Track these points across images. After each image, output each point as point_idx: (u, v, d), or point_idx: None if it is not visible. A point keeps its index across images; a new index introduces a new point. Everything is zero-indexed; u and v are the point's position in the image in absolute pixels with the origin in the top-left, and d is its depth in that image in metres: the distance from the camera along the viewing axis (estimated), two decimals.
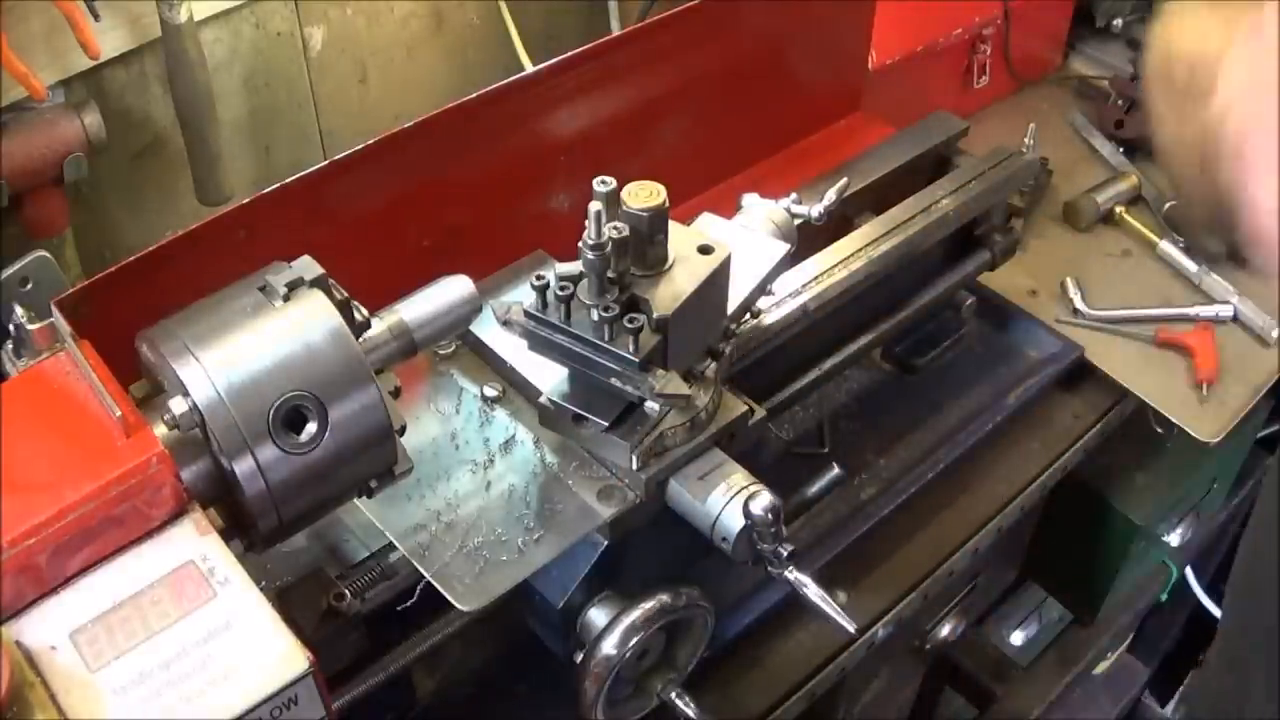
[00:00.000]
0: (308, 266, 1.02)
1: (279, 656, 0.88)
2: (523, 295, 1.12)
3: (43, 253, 1.59)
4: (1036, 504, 1.71)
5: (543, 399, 1.17)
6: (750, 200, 1.39)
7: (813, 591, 1.17)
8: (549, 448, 1.21)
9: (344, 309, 1.01)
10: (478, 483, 1.18)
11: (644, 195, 1.09)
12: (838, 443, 1.61)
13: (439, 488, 1.17)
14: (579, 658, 1.19)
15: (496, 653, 1.36)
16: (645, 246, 1.10)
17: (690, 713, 1.25)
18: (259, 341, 0.96)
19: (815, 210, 1.40)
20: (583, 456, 1.19)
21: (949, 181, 1.56)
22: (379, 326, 1.05)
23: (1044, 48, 2.32)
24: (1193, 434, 1.71)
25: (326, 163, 1.25)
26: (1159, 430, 1.80)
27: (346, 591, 1.15)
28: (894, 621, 1.51)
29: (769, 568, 1.18)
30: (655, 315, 1.08)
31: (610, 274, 1.07)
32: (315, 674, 0.89)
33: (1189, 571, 2.37)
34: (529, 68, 2.13)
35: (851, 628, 1.17)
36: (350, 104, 2.14)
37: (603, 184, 1.07)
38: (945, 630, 1.91)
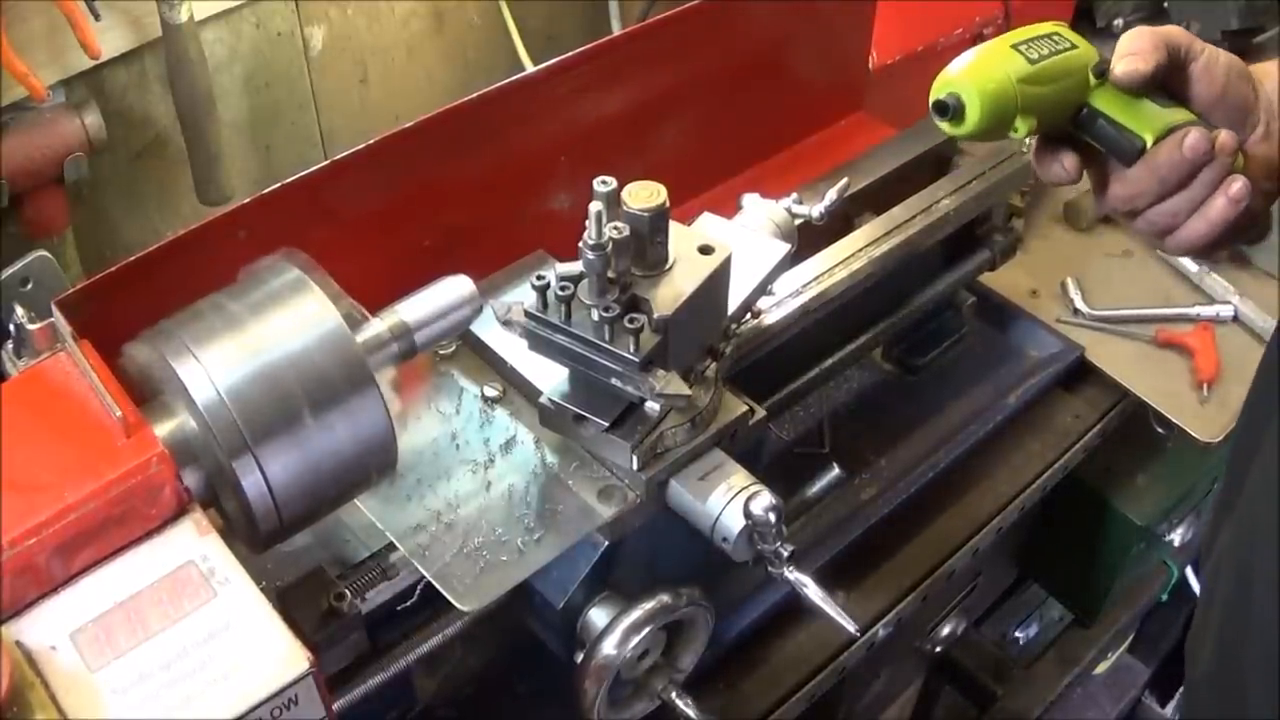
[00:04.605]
0: (306, 265, 1.02)
1: (279, 656, 0.88)
2: (523, 295, 1.12)
3: (43, 253, 1.59)
4: (1036, 504, 1.71)
5: (543, 399, 1.17)
6: (751, 200, 1.39)
7: (813, 591, 1.17)
8: (549, 448, 1.21)
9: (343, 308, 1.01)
10: (478, 483, 1.18)
11: (644, 195, 1.09)
12: (838, 443, 1.61)
13: (439, 488, 1.17)
14: (579, 658, 1.19)
15: (497, 653, 1.36)
16: (646, 247, 1.10)
17: (690, 713, 1.25)
18: (259, 341, 0.96)
19: (816, 210, 1.40)
20: (583, 456, 1.19)
21: (949, 181, 1.56)
22: (379, 326, 1.05)
23: None
24: (1193, 434, 1.71)
25: (326, 163, 1.25)
26: (1159, 430, 1.80)
27: (346, 591, 1.15)
28: (894, 622, 1.51)
29: (769, 568, 1.18)
30: (656, 315, 1.08)
31: (610, 274, 1.07)
32: (315, 674, 0.89)
33: (1189, 571, 2.37)
34: (529, 68, 2.14)
35: (852, 628, 1.17)
36: (350, 104, 2.14)
37: (603, 184, 1.07)
38: (945, 630, 1.91)
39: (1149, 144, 1.03)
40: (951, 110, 1.02)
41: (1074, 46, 1.06)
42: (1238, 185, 1.02)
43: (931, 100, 1.04)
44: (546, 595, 1.19)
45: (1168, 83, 1.06)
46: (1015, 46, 1.03)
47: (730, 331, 1.26)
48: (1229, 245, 1.09)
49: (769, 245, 1.31)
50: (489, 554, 1.11)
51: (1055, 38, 1.06)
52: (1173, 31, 1.05)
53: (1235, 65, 1.07)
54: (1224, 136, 1.02)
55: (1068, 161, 1.07)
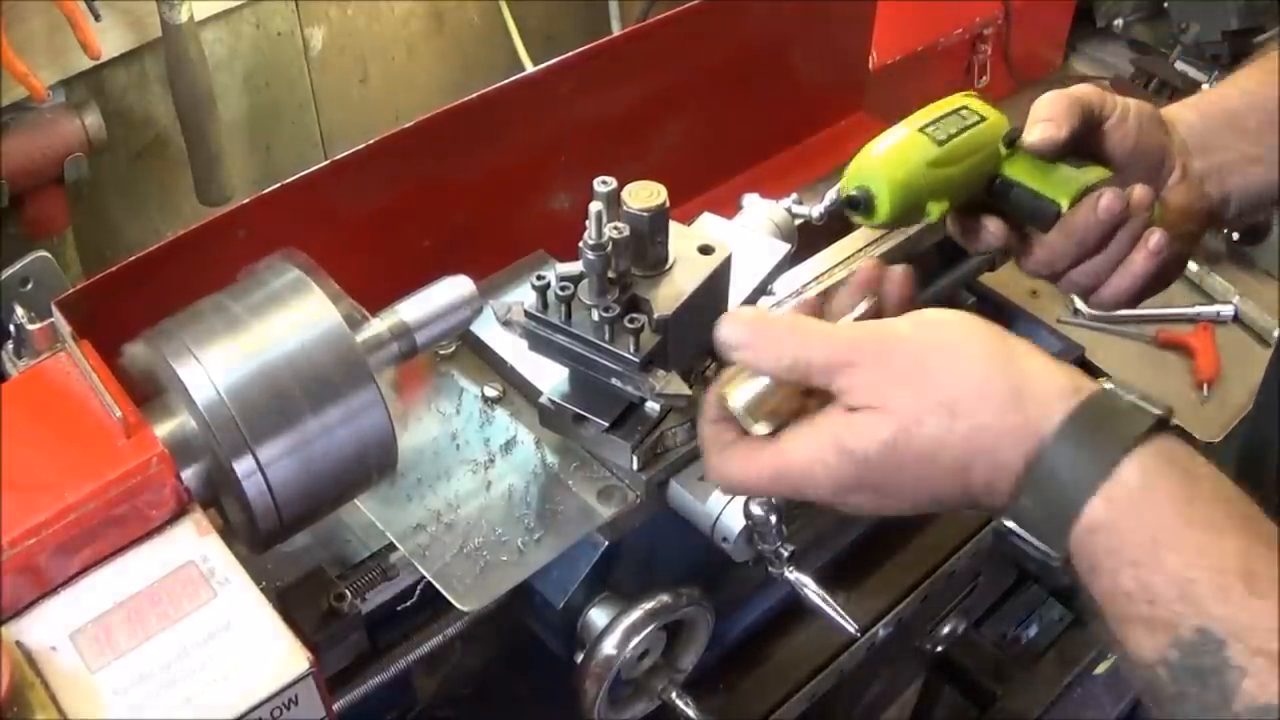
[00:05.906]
0: (306, 265, 1.02)
1: (279, 657, 0.88)
2: (523, 295, 1.12)
3: (43, 253, 1.59)
4: None
5: (543, 399, 1.17)
6: (751, 200, 1.39)
7: (813, 592, 1.17)
8: (549, 448, 1.21)
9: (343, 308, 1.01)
10: (478, 483, 1.18)
11: (644, 195, 1.09)
12: None
13: (439, 488, 1.17)
14: (579, 658, 1.19)
15: (497, 653, 1.36)
16: (646, 247, 1.10)
17: (691, 713, 1.25)
18: (259, 341, 0.96)
19: (816, 210, 1.39)
20: (583, 457, 1.19)
21: None
22: (379, 326, 1.05)
23: (1044, 48, 2.32)
24: (1193, 434, 1.71)
25: (326, 163, 1.25)
26: None
27: (347, 591, 1.14)
28: (894, 622, 1.51)
29: (769, 568, 1.18)
30: (656, 315, 1.08)
31: (611, 274, 1.07)
32: (315, 674, 0.89)
33: None
34: (529, 67, 2.14)
35: (852, 628, 1.17)
36: (350, 104, 2.14)
37: (603, 184, 1.07)
38: (945, 630, 1.90)
39: (1064, 208, 1.03)
40: (863, 204, 1.02)
41: (983, 119, 1.06)
42: (1155, 238, 1.02)
43: (842, 196, 1.04)
44: (546, 595, 1.19)
45: (1082, 142, 1.06)
46: (923, 129, 1.04)
47: None
48: (1157, 292, 1.09)
49: (769, 245, 1.31)
50: (489, 554, 1.11)
51: (964, 112, 1.06)
52: (1086, 91, 1.06)
53: (1146, 113, 1.08)
54: (1139, 193, 1.02)
55: (992, 226, 1.07)
